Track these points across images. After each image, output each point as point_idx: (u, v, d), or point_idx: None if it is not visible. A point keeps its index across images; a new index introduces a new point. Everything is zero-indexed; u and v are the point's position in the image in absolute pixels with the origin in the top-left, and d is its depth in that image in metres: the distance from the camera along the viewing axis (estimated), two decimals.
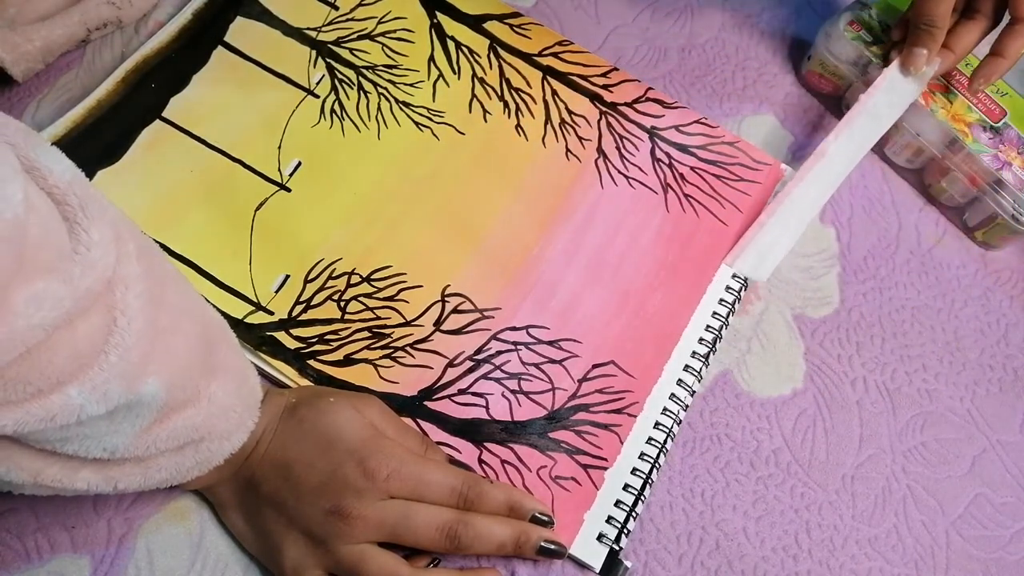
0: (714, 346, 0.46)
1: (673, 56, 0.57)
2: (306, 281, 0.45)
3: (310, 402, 0.40)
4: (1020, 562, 0.44)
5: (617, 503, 0.42)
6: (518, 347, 0.45)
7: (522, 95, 0.52)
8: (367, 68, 0.51)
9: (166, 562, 0.40)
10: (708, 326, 0.46)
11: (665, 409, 0.44)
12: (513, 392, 0.44)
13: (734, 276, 0.48)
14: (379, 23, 0.53)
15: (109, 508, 0.41)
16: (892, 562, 0.44)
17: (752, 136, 0.54)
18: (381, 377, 0.43)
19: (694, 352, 0.46)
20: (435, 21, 0.53)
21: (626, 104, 0.52)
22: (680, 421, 0.44)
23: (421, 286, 0.46)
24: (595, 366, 0.45)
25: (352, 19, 0.53)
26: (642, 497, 0.42)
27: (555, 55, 0.53)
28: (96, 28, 0.50)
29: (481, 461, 0.42)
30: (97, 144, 0.46)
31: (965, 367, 0.49)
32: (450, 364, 0.44)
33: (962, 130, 0.50)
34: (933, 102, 0.51)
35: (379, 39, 0.52)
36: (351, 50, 0.51)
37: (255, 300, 0.44)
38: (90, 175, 0.45)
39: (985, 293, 0.51)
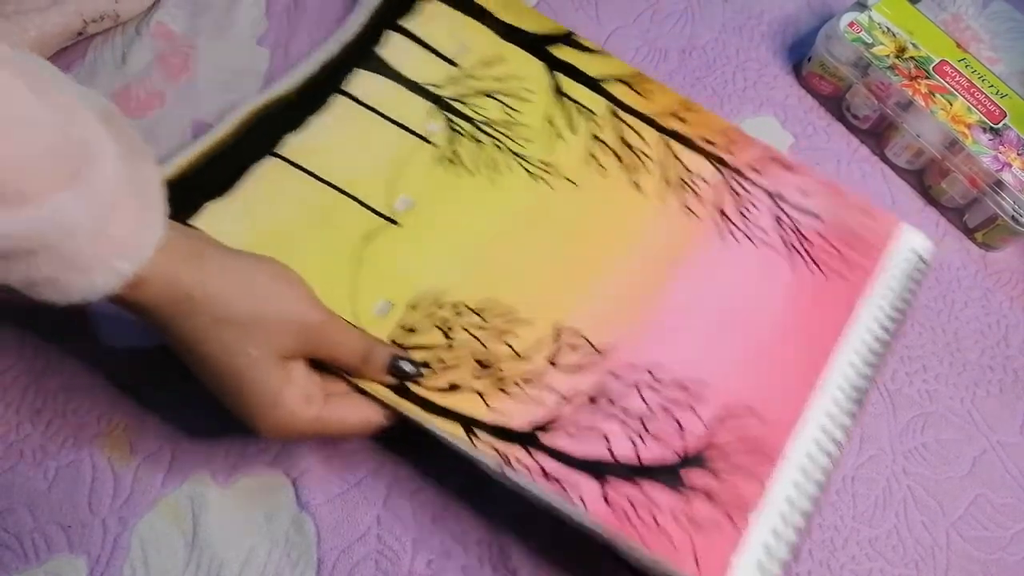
0: (860, 397, 0.44)
1: (674, 57, 0.57)
2: (410, 308, 0.44)
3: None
4: (1020, 563, 0.44)
5: (766, 548, 0.39)
6: (640, 387, 0.43)
7: (639, 154, 0.50)
8: (484, 123, 0.51)
9: (161, 561, 0.40)
10: (846, 375, 0.44)
11: (808, 454, 0.42)
12: (637, 433, 0.42)
13: (871, 332, 0.46)
14: (499, 81, 0.52)
15: (103, 507, 0.41)
16: (892, 563, 0.44)
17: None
18: (489, 407, 0.41)
19: (834, 399, 0.43)
20: (555, 82, 0.53)
21: (747, 166, 0.51)
22: (828, 469, 0.42)
23: (533, 322, 0.44)
24: (726, 409, 0.42)
25: (472, 77, 0.52)
26: (792, 542, 0.39)
27: (675, 115, 0.52)
28: (93, 20, 0.50)
29: (606, 498, 0.39)
30: (210, 179, 0.46)
31: (965, 368, 0.49)
32: (564, 401, 0.42)
33: (962, 131, 0.50)
34: (933, 103, 0.51)
35: (498, 97, 0.52)
36: (469, 106, 0.51)
37: (353, 321, 0.43)
38: (198, 207, 0.44)
39: (985, 294, 0.51)
